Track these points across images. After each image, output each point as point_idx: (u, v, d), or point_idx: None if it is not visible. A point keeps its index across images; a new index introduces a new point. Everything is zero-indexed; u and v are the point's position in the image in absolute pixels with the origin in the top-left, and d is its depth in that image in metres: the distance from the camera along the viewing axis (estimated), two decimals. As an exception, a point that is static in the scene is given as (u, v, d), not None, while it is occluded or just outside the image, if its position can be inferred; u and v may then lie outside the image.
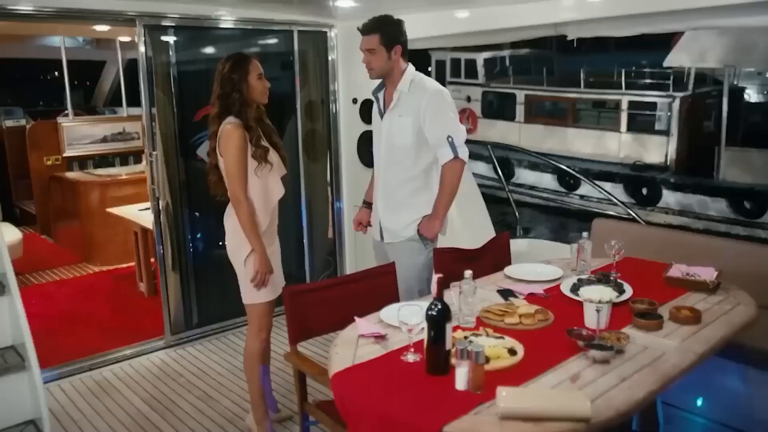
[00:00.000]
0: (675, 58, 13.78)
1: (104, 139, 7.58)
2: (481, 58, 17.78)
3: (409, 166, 3.13)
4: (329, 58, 4.97)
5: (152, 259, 5.09)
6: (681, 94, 13.88)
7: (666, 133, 14.01)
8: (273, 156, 3.00)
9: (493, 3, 4.00)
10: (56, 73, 7.73)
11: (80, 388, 3.85)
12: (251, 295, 3.06)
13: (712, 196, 12.69)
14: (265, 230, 3.02)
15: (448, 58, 18.38)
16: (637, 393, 1.88)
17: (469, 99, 17.88)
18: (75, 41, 7.89)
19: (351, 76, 4.94)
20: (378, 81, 3.21)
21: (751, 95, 14.11)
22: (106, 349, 4.26)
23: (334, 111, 5.06)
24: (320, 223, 5.25)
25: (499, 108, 17.57)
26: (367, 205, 3.47)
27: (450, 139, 3.02)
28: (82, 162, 7.43)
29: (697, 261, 2.91)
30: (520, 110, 16.91)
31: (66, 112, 7.58)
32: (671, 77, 14.02)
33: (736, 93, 13.64)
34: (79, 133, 7.42)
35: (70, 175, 6.87)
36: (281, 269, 3.19)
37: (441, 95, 3.07)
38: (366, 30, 3.04)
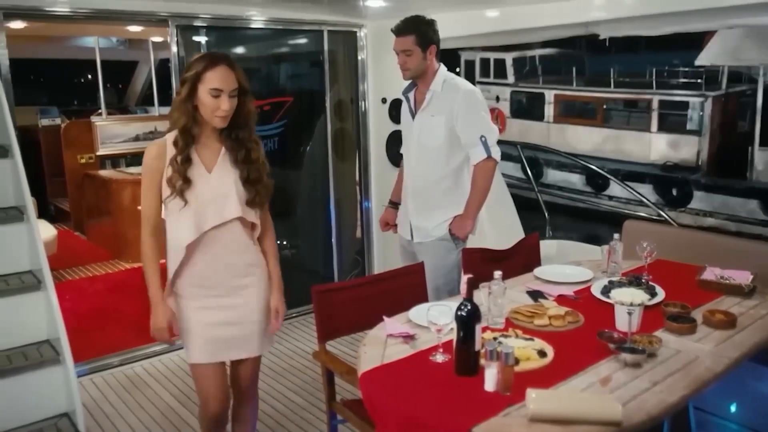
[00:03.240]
0: (707, 57, 13.54)
1: (136, 138, 7.67)
2: (510, 58, 17.63)
3: (440, 165, 3.13)
4: (359, 57, 4.99)
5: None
6: (713, 94, 13.60)
7: (698, 132, 13.76)
8: (205, 188, 2.32)
9: (523, 2, 3.97)
10: (90, 73, 7.85)
11: (112, 383, 3.91)
12: (185, 349, 2.49)
13: (745, 197, 12.43)
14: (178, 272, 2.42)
15: (477, 58, 18.25)
16: (669, 397, 1.85)
17: (498, 99, 17.76)
18: (109, 42, 8.01)
19: (380, 76, 4.95)
20: (409, 81, 3.22)
21: (788, 95, 13.81)
22: (137, 345, 4.32)
23: (363, 110, 5.08)
24: (348, 223, 5.27)
25: (528, 108, 17.42)
26: (393, 204, 3.47)
27: (483, 139, 3.02)
28: (114, 160, 7.53)
29: (731, 264, 2.86)
30: (549, 110, 16.75)
31: (99, 111, 7.69)
32: (704, 76, 13.77)
33: (773, 92, 13.36)
34: (112, 132, 7.52)
35: (103, 173, 6.97)
36: (236, 327, 2.46)
37: (474, 95, 3.08)
38: (401, 31, 3.04)
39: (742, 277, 2.72)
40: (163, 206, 2.35)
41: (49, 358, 3.07)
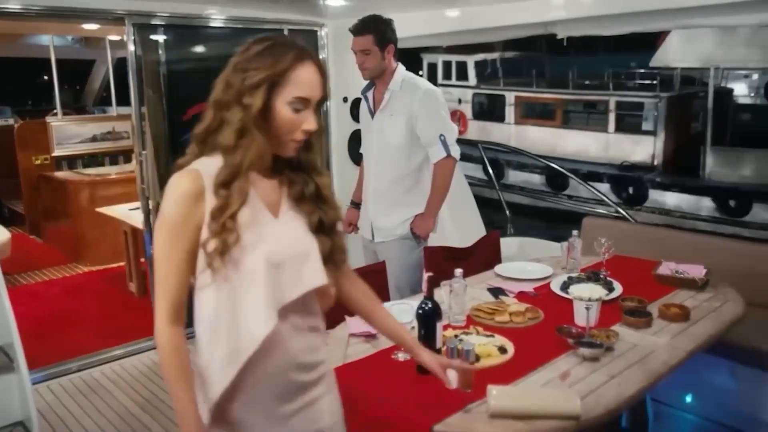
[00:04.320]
0: (660, 59, 13.93)
1: (94, 139, 7.54)
2: (471, 60, 17.86)
3: (401, 165, 3.14)
4: (320, 56, 4.96)
5: (142, 259, 5.08)
6: (667, 95, 14.01)
7: (653, 133, 14.14)
8: (277, 244, 1.46)
9: (483, 2, 4.01)
10: (45, 72, 7.72)
11: (69, 389, 3.82)
12: None
13: (698, 195, 12.82)
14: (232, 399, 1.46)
15: (439, 61, 18.46)
16: (626, 390, 1.89)
17: (460, 101, 17.96)
18: (64, 40, 7.85)
19: (342, 75, 4.93)
20: (367, 80, 3.22)
21: (739, 96, 14.27)
22: (95, 350, 4.23)
23: (324, 110, 5.06)
24: (310, 223, 5.25)
25: (489, 110, 17.67)
26: (355, 205, 3.47)
27: (442, 138, 3.05)
28: (71, 161, 7.38)
29: (685, 259, 2.93)
30: (509, 112, 17.01)
31: (55, 111, 7.54)
32: (658, 78, 14.16)
33: (724, 93, 13.78)
34: (69, 133, 7.36)
35: (59, 174, 6.82)
36: None
37: (433, 94, 3.10)
38: (359, 31, 3.04)
39: (696, 271, 2.79)
40: (197, 276, 1.45)
41: (2, 366, 3.01)
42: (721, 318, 2.45)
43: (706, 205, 12.73)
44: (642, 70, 14.72)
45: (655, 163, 14.14)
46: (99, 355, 4.19)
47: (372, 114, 3.21)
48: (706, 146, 13.13)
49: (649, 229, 4.38)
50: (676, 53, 13.51)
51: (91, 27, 5.77)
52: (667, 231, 4.37)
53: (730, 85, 14.20)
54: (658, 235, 3.94)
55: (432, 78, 17.76)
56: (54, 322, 4.84)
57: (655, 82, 14.36)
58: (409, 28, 3.29)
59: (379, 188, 3.23)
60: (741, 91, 14.30)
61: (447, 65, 18.62)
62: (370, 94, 3.23)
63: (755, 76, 14.15)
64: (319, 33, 4.91)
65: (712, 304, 2.58)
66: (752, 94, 14.31)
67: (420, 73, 17.76)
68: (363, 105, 3.29)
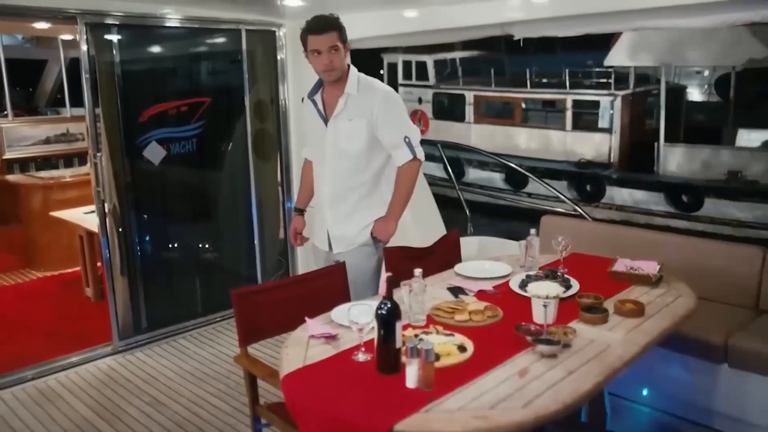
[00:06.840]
0: (614, 58, 14.22)
1: (47, 141, 7.38)
2: (431, 60, 17.95)
3: (360, 170, 3.01)
4: (278, 57, 4.93)
5: (99, 263, 4.97)
6: (622, 93, 14.31)
7: (609, 130, 14.43)
8: None
9: (440, 2, 4.02)
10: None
11: (22, 398, 3.72)
12: None
13: (652, 190, 13.12)
14: None
15: (399, 61, 18.52)
16: (583, 385, 1.92)
17: (420, 101, 18.04)
18: (14, 39, 7.65)
19: (300, 76, 4.91)
20: (314, 83, 3.06)
21: (692, 93, 14.66)
22: (50, 357, 4.13)
23: (283, 110, 5.03)
24: (271, 224, 5.21)
25: (449, 109, 17.79)
26: (299, 212, 3.33)
27: (407, 140, 2.96)
28: (23, 164, 7.22)
29: (640, 255, 3.00)
30: (469, 111, 17.15)
31: (5, 112, 7.34)
32: (613, 76, 14.45)
33: (677, 91, 14.13)
34: (20, 135, 7.20)
35: (10, 177, 6.66)
36: None
37: (393, 97, 3.01)
38: (323, 28, 2.83)
39: (650, 268, 2.85)
40: None
41: (-48, 375, 2.91)
42: (674, 312, 2.51)
43: (660, 200, 13.04)
44: (598, 69, 15.00)
45: (612, 160, 14.42)
46: (54, 363, 4.09)
47: (325, 120, 3.03)
48: (660, 143, 13.44)
49: (605, 226, 4.47)
50: (629, 52, 13.80)
51: (41, 26, 5.63)
52: (622, 228, 4.47)
53: (682, 83, 14.57)
54: (614, 233, 4.03)
55: (392, 77, 17.79)
56: (7, 329, 4.72)
57: (609, 80, 14.65)
58: (366, 28, 3.27)
59: (337, 196, 3.07)
60: (693, 88, 14.71)
61: (407, 65, 18.68)
62: (318, 98, 3.05)
63: (706, 73, 14.55)
64: (277, 33, 4.88)
65: (665, 299, 2.64)
66: (703, 92, 14.72)
67: (381, 72, 17.78)
68: (311, 109, 3.09)
